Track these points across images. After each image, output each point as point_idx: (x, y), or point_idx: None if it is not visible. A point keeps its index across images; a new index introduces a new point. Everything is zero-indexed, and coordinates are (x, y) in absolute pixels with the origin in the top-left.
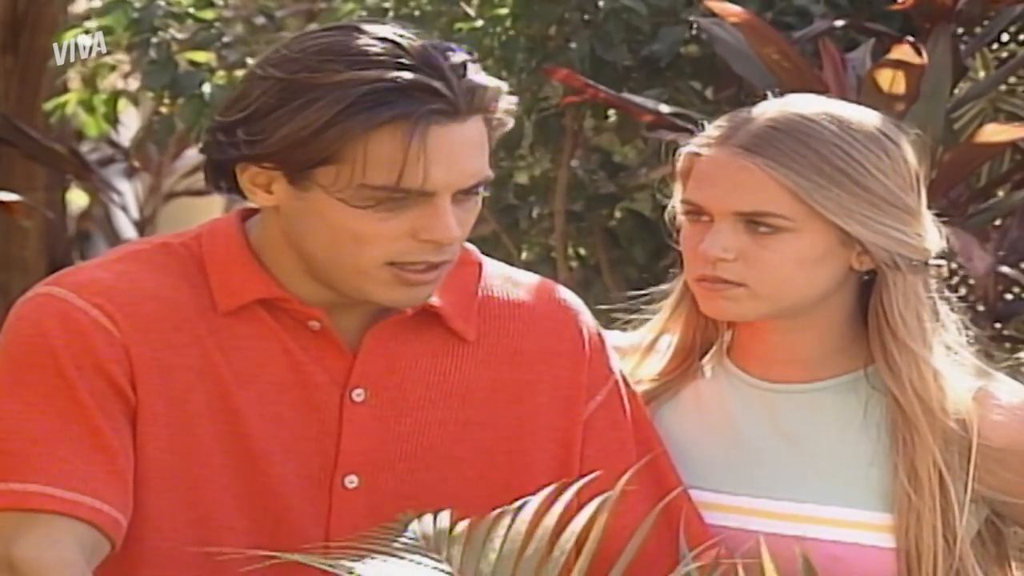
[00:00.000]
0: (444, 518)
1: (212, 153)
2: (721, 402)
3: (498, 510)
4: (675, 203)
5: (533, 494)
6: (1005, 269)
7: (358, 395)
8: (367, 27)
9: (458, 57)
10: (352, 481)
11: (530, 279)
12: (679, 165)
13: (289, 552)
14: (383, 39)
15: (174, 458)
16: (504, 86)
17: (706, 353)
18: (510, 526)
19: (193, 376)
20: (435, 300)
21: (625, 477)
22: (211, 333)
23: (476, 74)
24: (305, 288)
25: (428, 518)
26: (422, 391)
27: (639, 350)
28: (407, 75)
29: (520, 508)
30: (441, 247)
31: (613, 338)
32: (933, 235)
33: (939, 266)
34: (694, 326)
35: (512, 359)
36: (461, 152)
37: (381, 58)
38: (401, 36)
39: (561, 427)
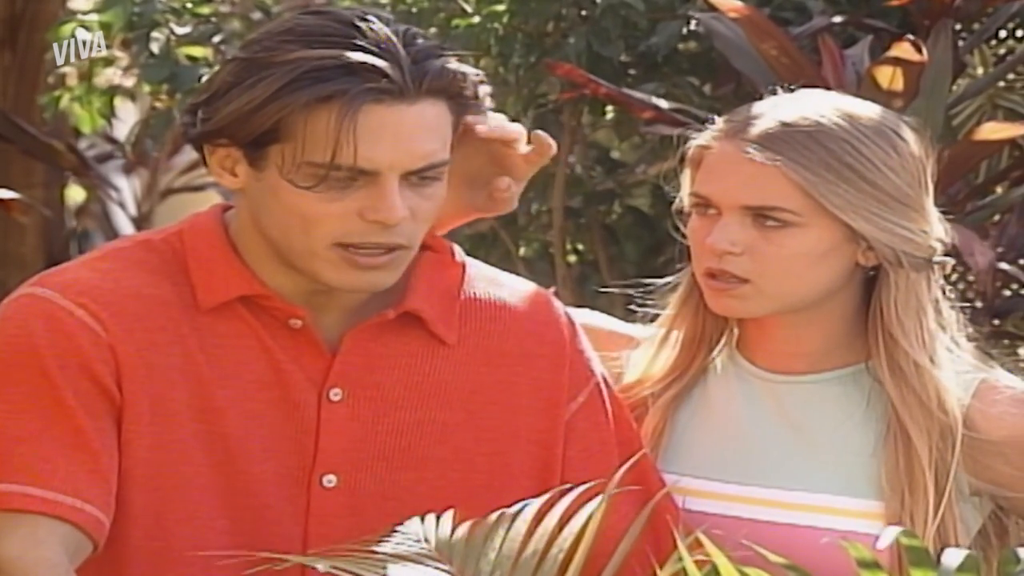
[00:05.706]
0: (446, 523)
1: (186, 136)
2: (728, 394)
3: (496, 513)
4: (683, 195)
5: (513, 497)
6: (1004, 265)
7: (335, 394)
8: (340, 12)
9: (425, 43)
10: (331, 480)
11: (514, 281)
12: (689, 157)
13: (270, 552)
14: (345, 21)
15: (160, 456)
16: (479, 73)
17: (716, 345)
18: (507, 531)
19: (176, 375)
20: (417, 304)
21: (615, 478)
22: (193, 331)
23: (439, 59)
24: (283, 280)
25: (431, 522)
26: (401, 392)
27: (653, 344)
28: (354, 54)
29: (517, 513)
30: (388, 228)
31: (634, 330)
32: (938, 232)
33: (944, 263)
34: (702, 318)
35: (492, 361)
36: (410, 133)
37: (334, 38)
38: (364, 20)
39: (542, 429)
